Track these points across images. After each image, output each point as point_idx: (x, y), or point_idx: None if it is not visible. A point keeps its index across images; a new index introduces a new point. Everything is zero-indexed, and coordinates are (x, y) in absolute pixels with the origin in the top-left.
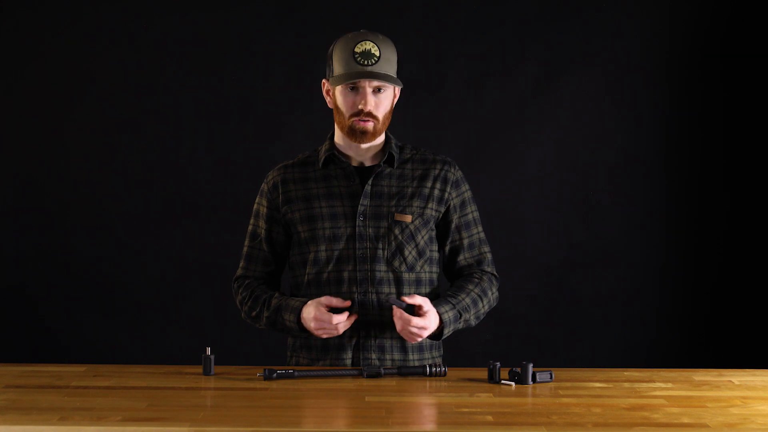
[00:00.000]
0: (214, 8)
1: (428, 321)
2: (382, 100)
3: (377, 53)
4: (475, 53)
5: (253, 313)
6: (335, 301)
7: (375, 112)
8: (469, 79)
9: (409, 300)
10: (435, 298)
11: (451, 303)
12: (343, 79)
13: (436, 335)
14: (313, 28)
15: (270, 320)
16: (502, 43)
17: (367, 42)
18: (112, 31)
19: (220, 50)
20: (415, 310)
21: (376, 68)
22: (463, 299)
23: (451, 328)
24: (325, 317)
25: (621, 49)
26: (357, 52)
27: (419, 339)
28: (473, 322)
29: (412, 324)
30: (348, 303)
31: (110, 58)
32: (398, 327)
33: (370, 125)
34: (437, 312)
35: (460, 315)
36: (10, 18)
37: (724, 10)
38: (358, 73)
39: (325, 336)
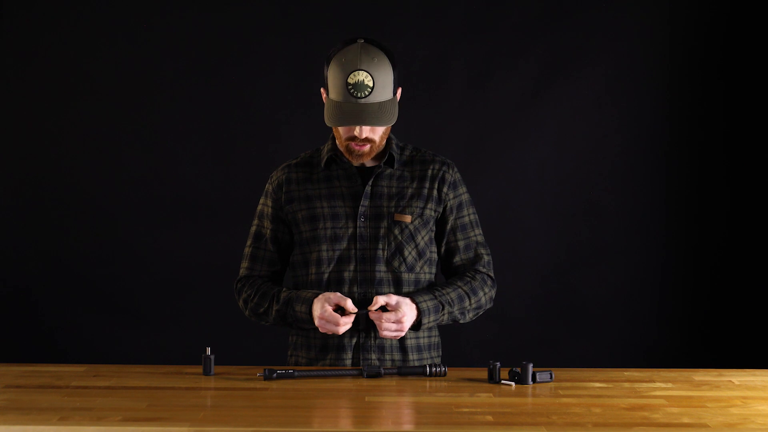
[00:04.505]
0: (214, 8)
1: (400, 313)
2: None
3: (371, 84)
4: (475, 53)
5: (261, 310)
6: (348, 305)
7: (371, 136)
8: (469, 79)
9: (371, 307)
10: None
11: (432, 294)
12: (335, 120)
13: (415, 325)
14: (313, 28)
15: (280, 313)
16: (502, 43)
17: (360, 72)
18: (112, 31)
19: (220, 50)
20: (387, 309)
21: (371, 99)
22: (448, 293)
23: (431, 318)
24: (332, 319)
25: (621, 49)
26: (350, 84)
27: (402, 333)
28: (460, 318)
29: (385, 319)
30: (355, 311)
31: (110, 58)
32: (378, 327)
33: (366, 148)
34: (414, 301)
35: (443, 306)
36: (10, 18)
37: (724, 9)
38: (350, 115)
39: (323, 331)
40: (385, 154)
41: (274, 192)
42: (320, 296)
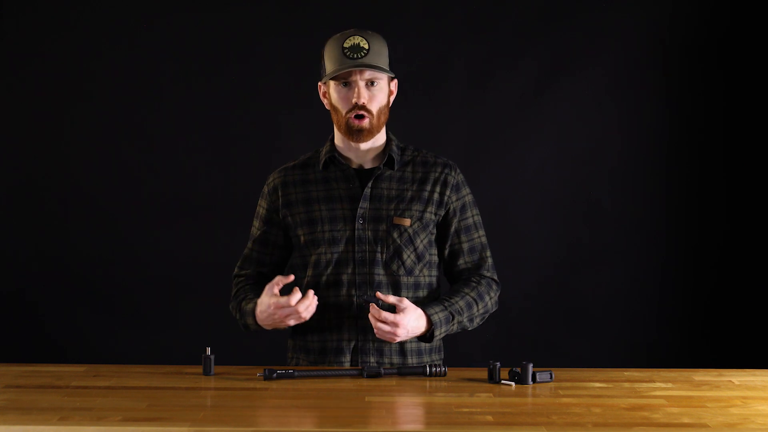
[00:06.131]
0: (214, 8)
1: (402, 317)
2: (376, 94)
3: (366, 46)
4: (475, 53)
5: (233, 313)
6: (278, 279)
7: (369, 106)
8: (469, 79)
9: (383, 298)
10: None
11: (443, 305)
12: (333, 74)
13: (427, 338)
14: (313, 28)
15: (244, 325)
16: (502, 43)
17: (356, 37)
18: (112, 31)
19: (220, 50)
20: (395, 310)
21: (366, 60)
22: (457, 302)
23: (443, 329)
24: (281, 301)
25: (621, 49)
26: (346, 48)
27: (396, 338)
28: (468, 325)
29: (381, 317)
30: (291, 277)
31: (110, 58)
32: (373, 325)
33: (365, 122)
34: (426, 313)
35: (453, 317)
36: (10, 18)
37: (724, 9)
38: (348, 66)
39: (293, 322)
40: (385, 156)
41: (269, 195)
42: (259, 301)
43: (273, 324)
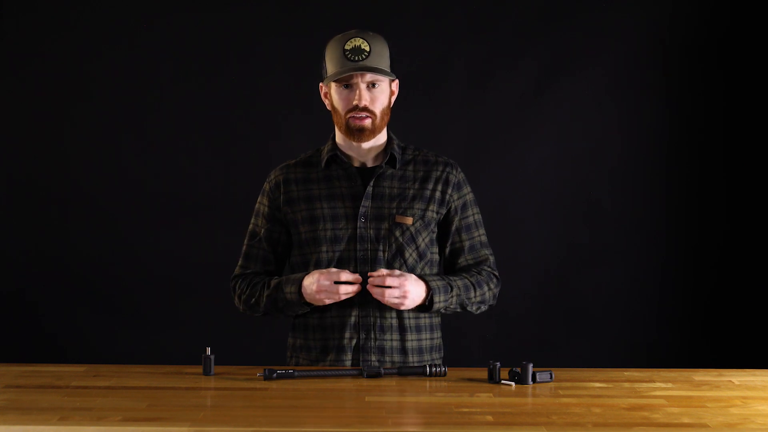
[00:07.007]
0: (214, 8)
1: (404, 279)
2: (378, 95)
3: (367, 48)
4: (475, 53)
5: (252, 300)
6: (344, 275)
7: (371, 107)
8: (469, 79)
9: (372, 274)
10: None
11: (439, 276)
12: (335, 76)
13: (427, 306)
14: (313, 28)
15: (270, 298)
16: (502, 43)
17: (357, 39)
18: (112, 31)
19: (220, 50)
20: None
21: (368, 62)
22: (455, 280)
23: (442, 298)
24: (333, 276)
25: (621, 49)
26: (347, 49)
27: (406, 300)
28: (468, 306)
29: (386, 282)
30: (359, 278)
31: (110, 58)
32: (378, 293)
33: (367, 122)
34: (424, 280)
35: (451, 288)
36: (10, 18)
37: (724, 9)
38: (349, 68)
39: (327, 301)
40: (386, 154)
41: (271, 192)
42: (313, 272)
43: (318, 288)
